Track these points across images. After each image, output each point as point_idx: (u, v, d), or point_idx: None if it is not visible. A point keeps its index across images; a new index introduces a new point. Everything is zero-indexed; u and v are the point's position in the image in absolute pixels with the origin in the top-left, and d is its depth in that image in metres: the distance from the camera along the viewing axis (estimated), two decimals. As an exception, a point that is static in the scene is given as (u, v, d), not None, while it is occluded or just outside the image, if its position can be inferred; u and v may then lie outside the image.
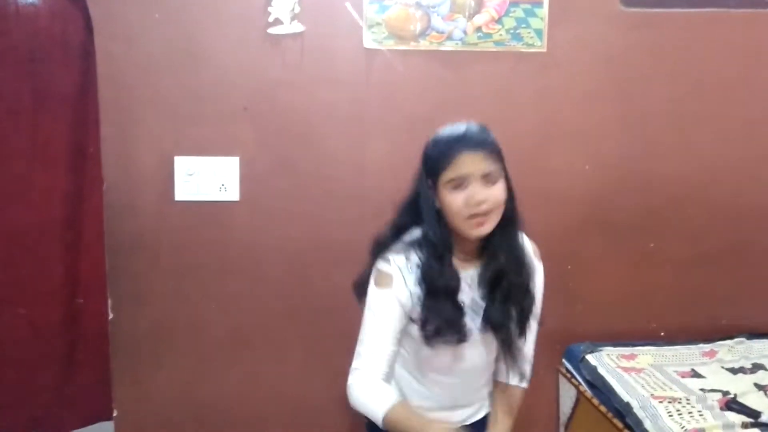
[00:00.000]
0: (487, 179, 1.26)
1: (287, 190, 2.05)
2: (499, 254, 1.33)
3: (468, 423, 1.48)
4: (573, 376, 2.10)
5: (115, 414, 2.07)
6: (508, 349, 1.37)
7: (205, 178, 2.02)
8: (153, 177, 2.01)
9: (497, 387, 1.50)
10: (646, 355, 2.08)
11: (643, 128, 2.15)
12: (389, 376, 1.36)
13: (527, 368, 1.48)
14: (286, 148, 2.04)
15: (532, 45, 2.08)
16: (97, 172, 2.00)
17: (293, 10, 1.97)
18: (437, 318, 1.30)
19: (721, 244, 2.21)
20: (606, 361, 2.02)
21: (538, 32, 2.07)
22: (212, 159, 2.02)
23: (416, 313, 1.32)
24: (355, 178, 2.06)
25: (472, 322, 1.34)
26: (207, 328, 2.08)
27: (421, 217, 1.33)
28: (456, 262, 1.34)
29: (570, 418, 2.11)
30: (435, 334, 1.30)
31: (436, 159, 1.28)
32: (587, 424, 2.01)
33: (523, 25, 2.06)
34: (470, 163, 1.25)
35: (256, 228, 2.05)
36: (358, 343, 1.35)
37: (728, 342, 2.14)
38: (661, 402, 1.76)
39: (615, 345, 2.12)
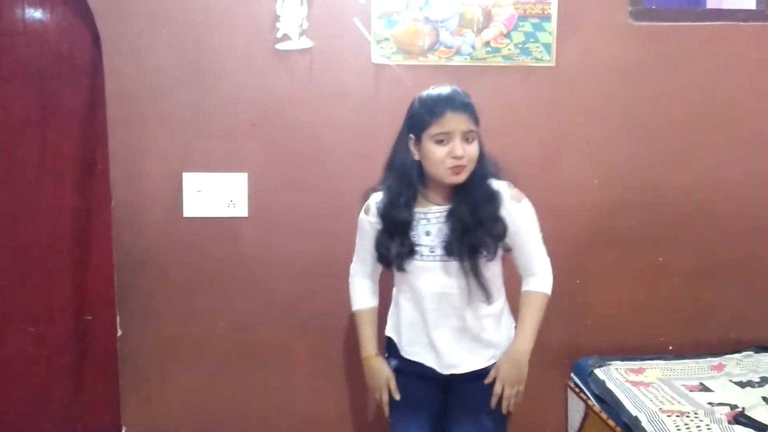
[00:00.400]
0: (467, 137, 1.50)
1: (296, 205, 2.05)
2: (467, 198, 1.55)
3: (461, 371, 1.64)
4: (581, 391, 2.10)
5: (123, 430, 2.07)
6: (471, 275, 1.56)
7: (214, 195, 2.02)
8: (161, 193, 2.01)
9: (520, 299, 1.68)
10: (654, 369, 2.08)
11: (651, 142, 2.15)
12: (374, 275, 1.75)
13: (541, 274, 1.68)
14: (294, 164, 2.04)
15: (541, 59, 2.07)
16: (106, 188, 2.00)
17: (301, 25, 1.97)
18: (383, 248, 1.60)
19: (730, 258, 2.21)
20: (614, 375, 2.03)
21: (547, 46, 2.07)
22: (221, 175, 2.02)
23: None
24: (363, 192, 2.05)
25: (439, 250, 1.57)
26: (215, 343, 2.08)
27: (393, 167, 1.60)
28: (431, 202, 1.59)
29: (578, 432, 2.12)
30: (382, 259, 1.62)
31: (424, 115, 1.51)
32: (596, 439, 2.02)
33: (532, 40, 2.06)
34: (455, 122, 1.48)
35: (265, 244, 2.05)
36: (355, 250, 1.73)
37: (736, 356, 2.15)
38: (669, 416, 1.77)
39: (623, 359, 2.12)
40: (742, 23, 2.14)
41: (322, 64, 2.00)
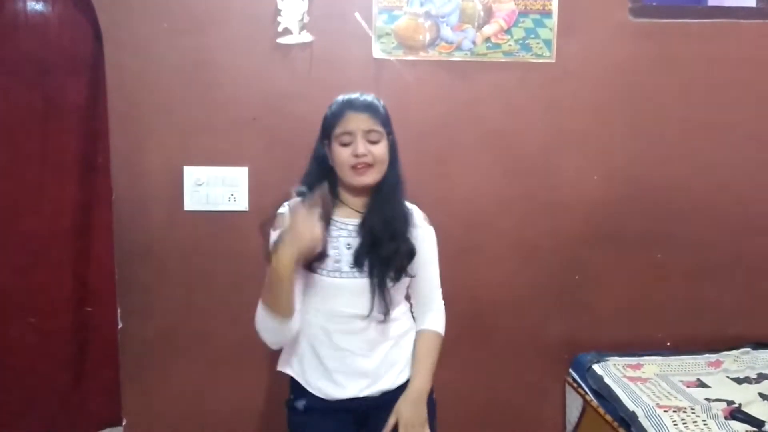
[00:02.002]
0: (370, 137, 1.48)
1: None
2: (380, 207, 1.52)
3: (366, 395, 1.54)
4: (579, 386, 2.11)
5: (124, 423, 2.08)
6: (377, 290, 1.49)
7: (215, 188, 2.02)
8: (162, 187, 2.01)
9: (416, 338, 1.61)
10: (652, 365, 2.09)
11: (651, 139, 2.15)
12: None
13: (437, 311, 1.63)
14: (295, 158, 2.01)
15: (541, 55, 2.08)
16: (107, 182, 2.00)
17: (302, 20, 1.97)
18: None
19: (728, 255, 2.22)
20: (612, 370, 2.04)
21: (547, 43, 2.07)
22: (221, 169, 2.02)
23: None
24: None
25: (348, 263, 1.50)
26: (216, 337, 2.08)
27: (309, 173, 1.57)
28: (344, 212, 1.54)
29: (576, 427, 2.13)
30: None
31: (329, 118, 1.52)
32: (593, 434, 2.03)
33: (532, 36, 2.06)
34: (355, 121, 1.48)
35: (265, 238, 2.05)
36: None
37: (734, 352, 2.16)
38: (666, 411, 1.78)
39: (621, 355, 2.13)
40: (742, 21, 2.14)
41: (322, 58, 2.01)
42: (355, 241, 1.51)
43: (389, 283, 1.50)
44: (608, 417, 1.91)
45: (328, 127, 1.52)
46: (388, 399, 1.55)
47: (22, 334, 2.12)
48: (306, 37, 1.99)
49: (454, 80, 2.06)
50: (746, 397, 1.87)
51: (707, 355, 2.16)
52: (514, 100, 2.09)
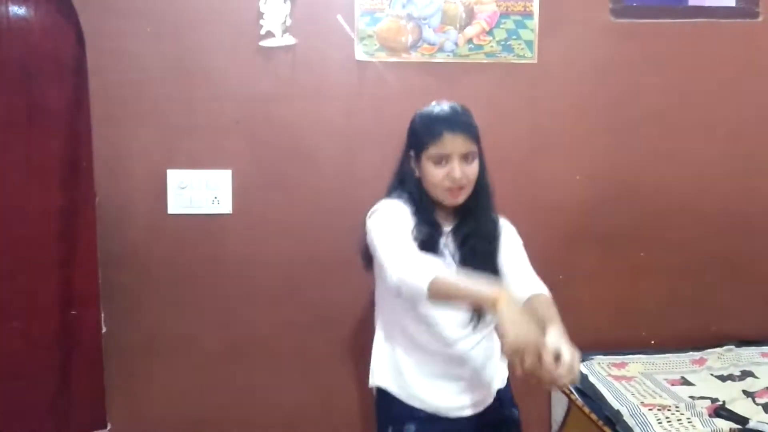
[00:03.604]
0: (466, 158, 1.44)
1: (280, 202, 2.06)
2: (470, 219, 1.50)
3: (474, 412, 1.54)
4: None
5: (108, 427, 2.07)
6: None
7: (198, 191, 2.02)
8: (145, 190, 2.01)
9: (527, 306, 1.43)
10: (636, 363, 2.10)
11: (633, 138, 2.17)
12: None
13: (541, 285, 1.52)
14: (278, 161, 2.05)
15: (523, 56, 2.09)
16: (90, 185, 2.00)
17: (285, 22, 1.98)
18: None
19: (711, 253, 2.24)
20: (597, 369, 2.05)
21: (529, 44, 2.08)
22: (205, 172, 2.02)
23: None
24: (348, 189, 2.07)
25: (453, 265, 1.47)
26: (200, 340, 2.08)
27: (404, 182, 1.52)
28: (439, 220, 1.51)
29: (562, 427, 2.13)
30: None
31: (422, 135, 1.46)
32: (578, 433, 2.04)
33: (514, 37, 2.08)
34: (453, 143, 1.42)
35: (249, 240, 2.06)
36: (382, 251, 1.39)
37: (717, 350, 2.17)
38: (650, 409, 1.78)
39: (606, 354, 2.14)
40: (722, 20, 2.16)
41: (305, 61, 2.01)
42: (447, 249, 1.48)
43: None
44: (593, 416, 1.91)
45: (420, 144, 1.46)
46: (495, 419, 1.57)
47: (7, 338, 2.10)
48: (289, 39, 1.99)
49: (437, 82, 2.07)
50: (730, 395, 1.88)
51: (691, 353, 2.17)
52: (496, 101, 2.10)
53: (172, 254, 2.04)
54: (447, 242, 1.50)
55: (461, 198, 1.47)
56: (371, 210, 1.52)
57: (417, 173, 1.50)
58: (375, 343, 1.61)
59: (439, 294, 1.25)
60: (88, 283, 2.09)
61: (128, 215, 2.01)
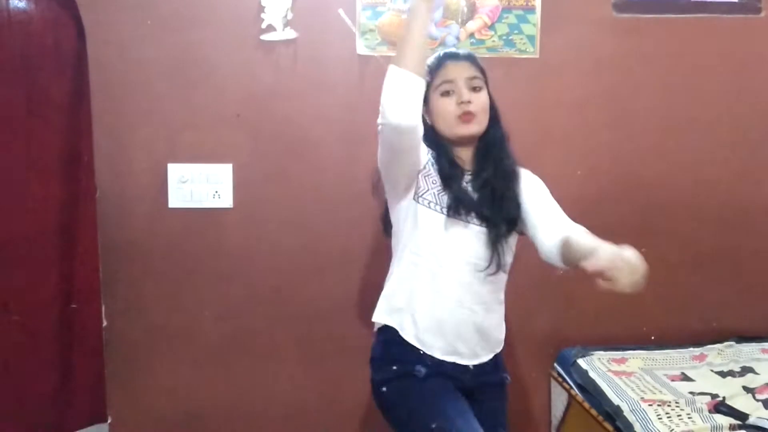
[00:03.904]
0: (472, 85, 1.47)
1: (280, 196, 2.05)
2: (488, 161, 1.52)
3: (478, 362, 1.56)
4: (564, 380, 2.11)
5: (109, 420, 2.08)
6: (495, 242, 1.49)
7: (199, 185, 2.02)
8: (146, 184, 2.00)
9: (565, 246, 1.45)
10: (636, 359, 2.10)
11: (634, 133, 2.16)
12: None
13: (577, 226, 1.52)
14: (279, 155, 2.05)
15: (525, 51, 2.08)
16: (91, 179, 2.00)
17: (286, 16, 1.97)
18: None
19: (712, 248, 2.23)
20: (597, 365, 2.04)
21: (531, 38, 2.08)
22: (205, 166, 2.02)
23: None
24: (348, 184, 2.06)
25: (471, 211, 1.49)
26: (201, 334, 2.08)
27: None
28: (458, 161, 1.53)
29: (561, 422, 2.14)
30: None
31: (429, 72, 1.47)
32: (578, 428, 2.04)
33: (516, 31, 2.07)
34: (456, 70, 1.47)
35: (250, 234, 2.05)
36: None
37: (718, 346, 2.17)
38: (650, 405, 1.78)
39: (606, 349, 2.14)
40: (724, 15, 2.15)
41: (306, 55, 2.01)
42: (470, 188, 1.50)
43: (506, 236, 1.51)
44: (593, 411, 1.91)
45: (429, 82, 1.46)
46: (496, 384, 1.61)
47: (8, 331, 2.11)
48: (290, 33, 1.99)
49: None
50: (730, 391, 1.88)
51: (691, 348, 2.17)
52: (498, 96, 2.04)
53: (173, 248, 2.04)
54: (466, 187, 1.52)
55: (474, 127, 1.48)
56: None
57: (428, 120, 1.51)
58: (387, 283, 1.59)
59: (401, 53, 1.32)
60: (89, 277, 2.10)
61: (129, 209, 2.01)
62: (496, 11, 2.05)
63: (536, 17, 2.07)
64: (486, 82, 1.53)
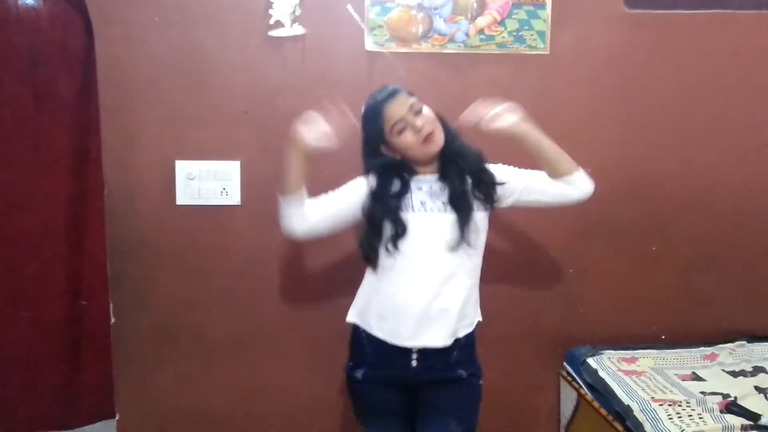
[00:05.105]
0: (415, 110, 1.59)
1: (288, 193, 2.04)
2: (448, 159, 1.66)
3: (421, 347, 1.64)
4: (574, 380, 2.10)
5: (117, 417, 2.08)
6: (465, 220, 1.63)
7: (207, 183, 2.02)
8: (154, 181, 2.00)
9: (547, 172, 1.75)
10: (646, 358, 2.08)
11: (646, 131, 2.14)
12: (319, 215, 1.69)
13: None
14: (287, 152, 2.03)
15: (535, 47, 2.06)
16: (99, 176, 2.00)
17: (294, 12, 1.96)
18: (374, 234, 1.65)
19: (723, 248, 2.21)
20: (607, 364, 2.03)
21: (541, 34, 2.06)
22: (213, 163, 2.01)
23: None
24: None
25: (432, 203, 1.65)
26: (209, 331, 2.09)
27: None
28: (420, 174, 1.68)
29: (570, 421, 2.13)
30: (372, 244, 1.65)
31: (373, 128, 1.61)
32: (588, 427, 2.02)
33: (526, 27, 2.05)
34: (396, 108, 1.59)
35: (258, 232, 2.05)
36: None
37: (729, 345, 2.15)
38: (661, 405, 1.77)
39: (616, 348, 2.12)
40: (737, 11, 2.12)
41: (314, 51, 2.00)
42: (427, 196, 1.65)
43: (480, 210, 1.66)
44: (603, 411, 1.90)
45: (377, 134, 1.61)
46: (446, 379, 1.67)
47: (16, 327, 2.12)
48: (298, 29, 1.97)
49: (447, 73, 2.05)
50: (742, 391, 1.86)
51: (702, 348, 2.15)
52: (507, 93, 2.04)
53: (181, 245, 2.04)
54: (434, 188, 1.66)
55: (438, 141, 1.61)
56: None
57: (398, 156, 1.65)
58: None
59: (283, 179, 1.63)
60: (97, 274, 2.11)
61: (137, 206, 2.01)
62: (506, 7, 2.03)
63: (547, 13, 2.04)
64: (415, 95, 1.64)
